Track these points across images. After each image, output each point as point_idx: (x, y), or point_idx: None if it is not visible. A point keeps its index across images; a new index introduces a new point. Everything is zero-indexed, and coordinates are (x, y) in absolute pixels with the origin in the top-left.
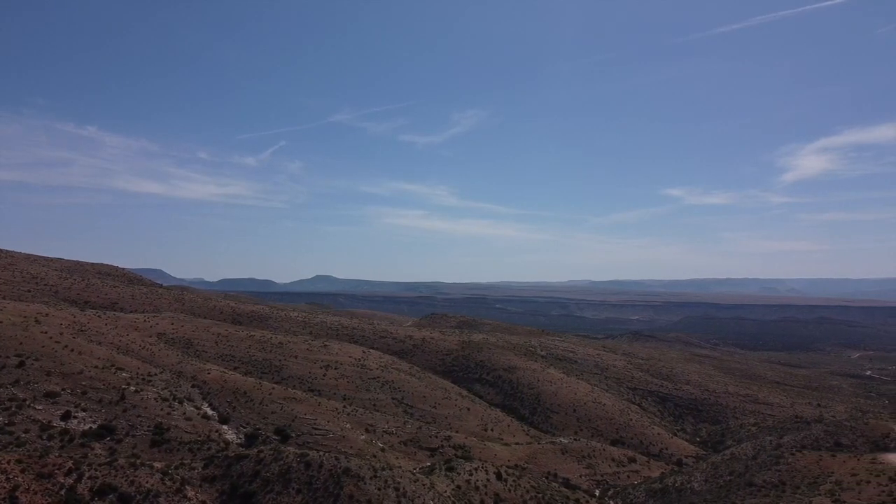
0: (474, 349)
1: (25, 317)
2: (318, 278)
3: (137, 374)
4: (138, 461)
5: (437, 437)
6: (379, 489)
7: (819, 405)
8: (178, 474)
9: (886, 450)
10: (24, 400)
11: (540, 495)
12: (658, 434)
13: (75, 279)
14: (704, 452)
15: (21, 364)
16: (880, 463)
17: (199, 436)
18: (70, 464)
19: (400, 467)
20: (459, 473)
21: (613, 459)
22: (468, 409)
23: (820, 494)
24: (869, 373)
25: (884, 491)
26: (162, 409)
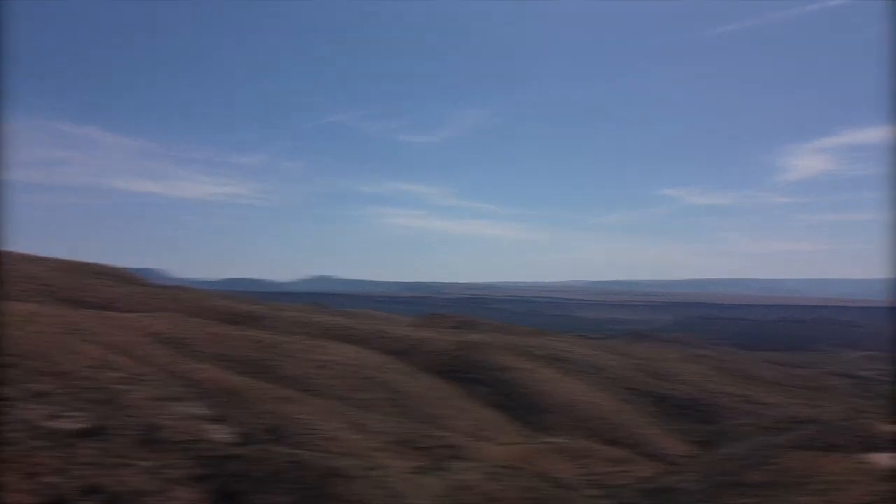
0: (471, 349)
1: (19, 316)
2: (318, 278)
3: (130, 373)
4: (127, 461)
5: (430, 436)
6: (369, 489)
7: (815, 405)
8: (167, 474)
9: (878, 450)
10: (15, 400)
11: (533, 495)
12: (653, 434)
13: (71, 279)
14: (699, 452)
15: (12, 364)
16: (870, 463)
17: (191, 435)
18: (58, 463)
19: (391, 467)
20: (452, 473)
21: (608, 459)
22: (463, 409)
23: (809, 494)
24: (867, 373)
25: (871, 490)
26: (154, 409)
